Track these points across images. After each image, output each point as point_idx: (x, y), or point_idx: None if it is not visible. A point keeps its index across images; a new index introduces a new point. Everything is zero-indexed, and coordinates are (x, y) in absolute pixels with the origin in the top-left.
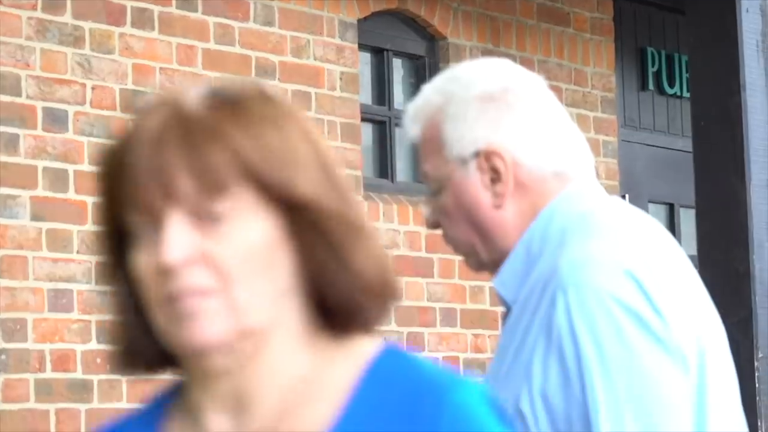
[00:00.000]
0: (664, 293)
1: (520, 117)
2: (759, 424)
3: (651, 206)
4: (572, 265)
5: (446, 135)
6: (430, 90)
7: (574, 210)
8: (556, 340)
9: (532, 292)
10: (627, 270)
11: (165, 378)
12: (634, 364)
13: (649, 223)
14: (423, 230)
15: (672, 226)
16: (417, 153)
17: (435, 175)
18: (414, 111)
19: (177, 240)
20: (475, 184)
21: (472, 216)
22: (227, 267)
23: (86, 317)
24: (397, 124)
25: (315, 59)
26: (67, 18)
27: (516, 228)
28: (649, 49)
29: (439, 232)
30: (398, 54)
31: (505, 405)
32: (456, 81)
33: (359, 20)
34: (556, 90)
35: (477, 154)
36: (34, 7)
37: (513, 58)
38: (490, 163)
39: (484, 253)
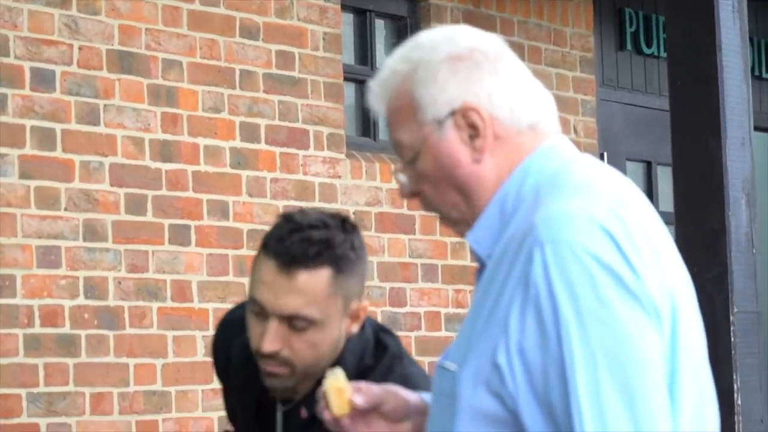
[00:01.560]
0: (637, 249)
1: (490, 73)
2: (734, 377)
3: (629, 164)
4: (548, 222)
5: (419, 100)
6: (395, 61)
7: (548, 167)
8: (534, 295)
9: (507, 248)
10: (602, 226)
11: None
12: (609, 318)
13: (621, 180)
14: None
15: (649, 184)
16: (388, 124)
17: (410, 142)
18: (381, 84)
19: None
20: (453, 142)
21: (453, 174)
22: None
23: (74, 273)
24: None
25: (298, 20)
26: None
27: (493, 182)
28: (627, 10)
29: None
30: (380, 15)
31: (482, 358)
32: (420, 48)
33: None
34: (536, 50)
35: (453, 113)
36: None
37: (493, 19)
38: (467, 119)
39: (469, 213)
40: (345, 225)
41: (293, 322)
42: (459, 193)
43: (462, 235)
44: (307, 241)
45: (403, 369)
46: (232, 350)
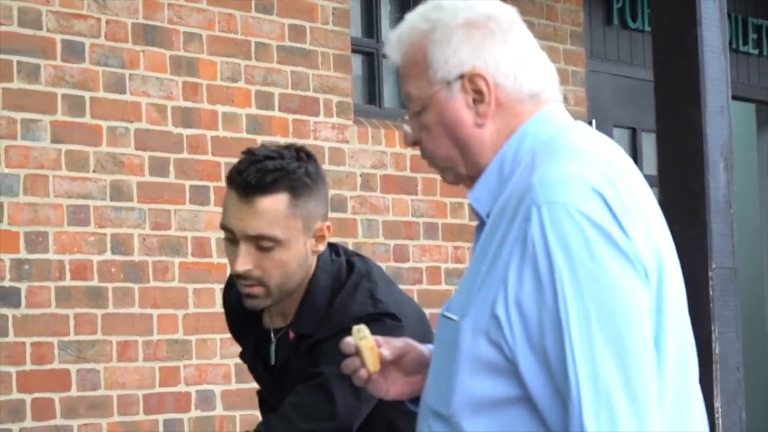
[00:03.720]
0: (627, 211)
1: (501, 43)
2: (712, 327)
3: (615, 130)
4: (545, 184)
5: (431, 59)
6: (416, 17)
7: (544, 132)
8: (531, 252)
9: (506, 207)
10: (594, 188)
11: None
12: (601, 274)
13: (612, 147)
14: (408, 152)
15: (634, 149)
16: (400, 75)
17: (418, 96)
18: (399, 37)
19: None
20: (458, 103)
21: (455, 133)
22: None
23: (101, 231)
24: (384, 56)
25: None
26: None
27: (492, 145)
28: None
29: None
30: None
31: (482, 309)
32: (441, 9)
33: None
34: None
35: (461, 77)
36: None
37: None
38: (473, 84)
39: (462, 168)
40: (300, 154)
41: (259, 243)
42: (457, 150)
43: (444, 179)
44: (263, 170)
45: (371, 285)
46: (232, 299)
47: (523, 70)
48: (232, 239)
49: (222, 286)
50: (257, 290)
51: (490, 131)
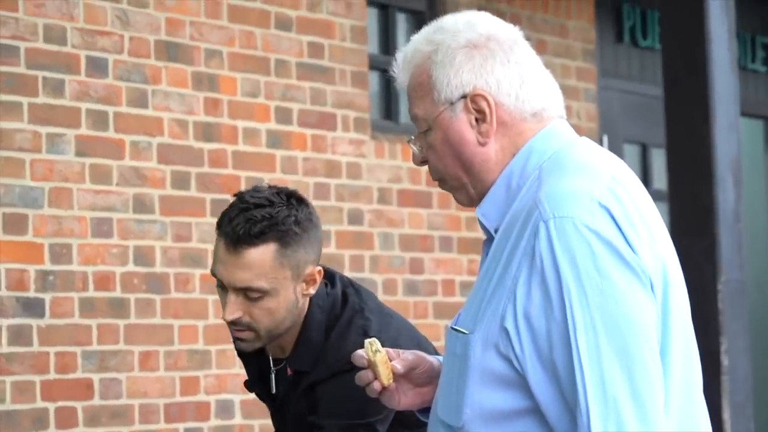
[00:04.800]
0: (632, 224)
1: (502, 63)
2: (721, 339)
3: (626, 146)
4: (552, 199)
5: (435, 80)
6: (419, 39)
7: (549, 148)
8: (539, 266)
9: (514, 222)
10: (600, 203)
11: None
12: (607, 287)
13: (616, 161)
14: (424, 167)
15: (644, 164)
16: (407, 97)
17: (424, 116)
18: (404, 59)
19: None
20: (462, 123)
21: (459, 151)
22: None
23: (124, 242)
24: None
25: (328, 14)
26: None
27: (498, 163)
28: (625, 5)
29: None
30: (402, 9)
31: (492, 323)
32: (443, 31)
33: None
34: (542, 42)
35: (464, 97)
36: None
37: (504, 13)
38: (475, 104)
39: (471, 188)
40: (290, 200)
41: (247, 293)
42: (462, 168)
43: (458, 200)
44: (252, 220)
45: (364, 322)
46: None
47: (525, 89)
48: (221, 286)
49: None
50: (247, 335)
51: (494, 149)
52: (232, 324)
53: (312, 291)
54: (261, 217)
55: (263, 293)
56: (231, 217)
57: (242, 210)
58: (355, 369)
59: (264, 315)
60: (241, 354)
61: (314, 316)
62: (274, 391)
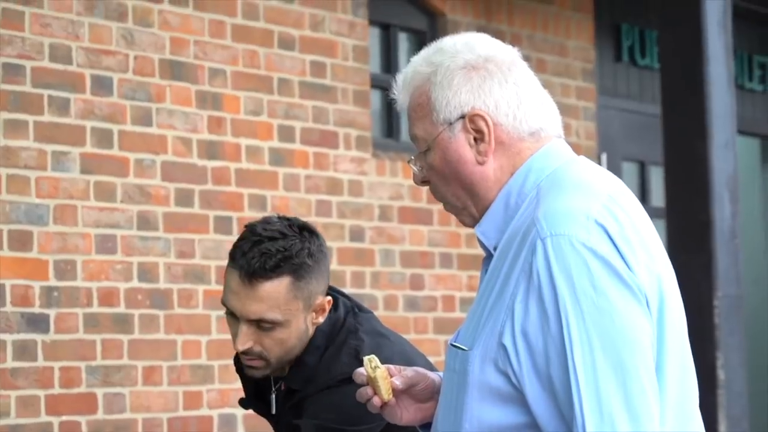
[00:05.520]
0: (628, 242)
1: (500, 83)
2: (717, 354)
3: (624, 164)
4: (549, 218)
5: (434, 101)
6: (419, 61)
7: (547, 167)
8: (536, 283)
9: (512, 240)
10: (597, 221)
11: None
12: (604, 304)
13: (612, 180)
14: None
15: (643, 182)
16: (408, 117)
17: (423, 137)
18: (403, 80)
19: None
20: (460, 143)
21: (458, 171)
22: None
23: (128, 259)
24: (393, 99)
25: (330, 33)
26: None
27: (497, 182)
28: (624, 25)
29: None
30: (403, 29)
31: (490, 339)
32: (441, 53)
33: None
34: (542, 61)
35: (462, 117)
36: None
37: (504, 33)
38: (474, 124)
39: (473, 207)
40: (303, 233)
41: (260, 324)
42: (462, 188)
43: (462, 222)
44: (267, 254)
45: (357, 343)
46: None
47: (523, 109)
48: (232, 315)
49: None
50: (257, 363)
51: (492, 168)
52: (243, 353)
53: (321, 320)
54: (276, 251)
55: (275, 324)
56: (245, 250)
57: (255, 243)
58: (343, 384)
59: (275, 345)
60: (240, 371)
61: (315, 341)
62: (274, 411)
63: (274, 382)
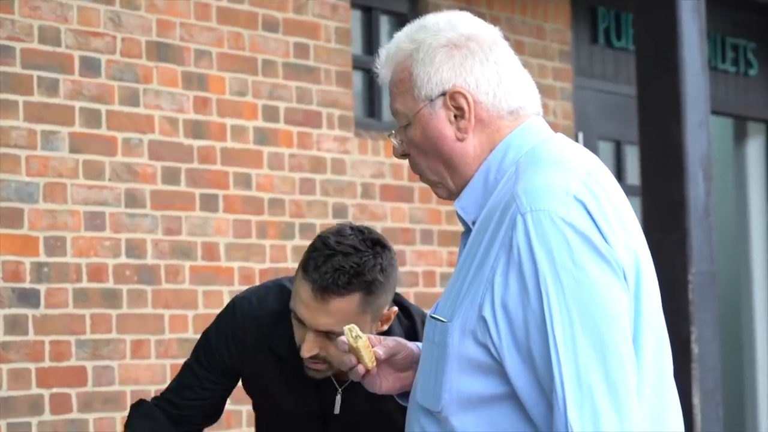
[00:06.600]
0: (606, 217)
1: (481, 62)
2: (692, 329)
3: (600, 143)
4: (529, 194)
5: (416, 77)
6: (402, 37)
7: (525, 144)
8: (516, 258)
9: (491, 215)
10: (576, 197)
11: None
12: (582, 278)
13: (589, 156)
14: (406, 163)
15: (618, 161)
16: (389, 92)
17: (405, 112)
18: (386, 56)
19: None
20: (441, 120)
21: (437, 146)
22: None
23: (117, 235)
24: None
25: (313, 16)
26: None
27: (476, 158)
28: (600, 8)
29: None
30: (385, 12)
31: (470, 312)
32: (424, 30)
33: None
34: (520, 43)
35: (443, 94)
36: None
37: (484, 15)
38: (454, 102)
39: (450, 182)
40: (375, 248)
41: (328, 334)
42: (441, 163)
43: (437, 194)
44: (340, 270)
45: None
46: (271, 338)
47: (503, 88)
48: (300, 320)
49: (229, 288)
50: (321, 366)
51: (472, 145)
52: (307, 357)
53: (385, 328)
54: (349, 267)
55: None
56: (318, 264)
57: (329, 257)
58: None
59: (341, 353)
60: (256, 366)
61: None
62: (337, 411)
63: (338, 384)
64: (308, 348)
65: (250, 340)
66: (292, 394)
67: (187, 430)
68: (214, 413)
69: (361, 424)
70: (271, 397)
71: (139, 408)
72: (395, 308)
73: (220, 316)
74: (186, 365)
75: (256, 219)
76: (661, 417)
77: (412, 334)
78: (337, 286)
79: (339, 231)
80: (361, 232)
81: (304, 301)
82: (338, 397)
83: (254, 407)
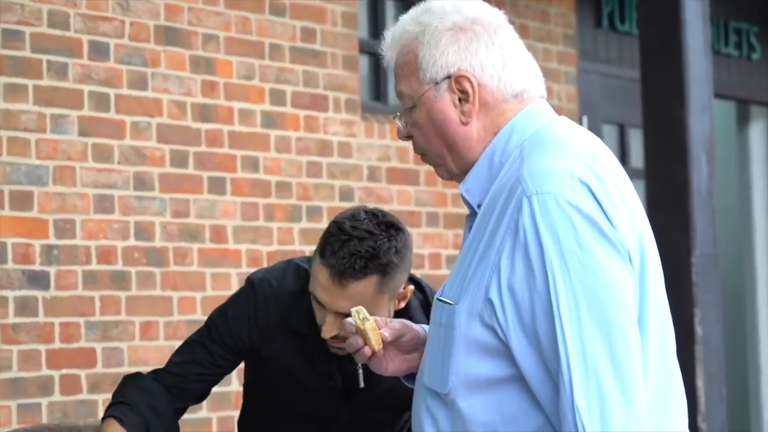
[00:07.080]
0: (611, 200)
1: (486, 45)
2: (695, 310)
3: (605, 126)
4: (535, 177)
5: (421, 60)
6: (408, 20)
7: (530, 127)
8: (522, 240)
9: (497, 197)
10: (581, 180)
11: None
12: (588, 260)
13: (593, 139)
14: (412, 145)
15: (622, 144)
16: (394, 74)
17: (409, 94)
18: (392, 38)
19: None
20: (445, 103)
21: (442, 129)
22: None
23: (125, 218)
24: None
25: (320, 0)
26: None
27: (480, 141)
28: None
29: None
30: None
31: (476, 294)
32: (430, 13)
33: None
34: (524, 27)
35: (448, 77)
36: None
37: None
38: (459, 85)
39: (452, 164)
40: (390, 230)
41: (347, 315)
42: (445, 146)
43: (439, 174)
44: (356, 255)
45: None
46: (291, 318)
47: (508, 71)
48: (319, 303)
49: (237, 270)
50: (343, 344)
51: (476, 128)
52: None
53: (402, 305)
54: (364, 251)
55: None
56: (334, 249)
57: (344, 242)
58: None
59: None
60: (278, 346)
61: (415, 319)
62: (362, 384)
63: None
64: (329, 329)
65: (272, 320)
66: (315, 371)
67: (181, 406)
68: (208, 391)
69: (385, 397)
70: (293, 375)
71: (135, 379)
72: (411, 286)
73: (238, 297)
74: (194, 342)
75: (264, 202)
76: (665, 399)
77: (426, 308)
78: (354, 270)
79: (354, 215)
80: (375, 215)
81: (322, 285)
82: (360, 371)
83: (247, 386)
